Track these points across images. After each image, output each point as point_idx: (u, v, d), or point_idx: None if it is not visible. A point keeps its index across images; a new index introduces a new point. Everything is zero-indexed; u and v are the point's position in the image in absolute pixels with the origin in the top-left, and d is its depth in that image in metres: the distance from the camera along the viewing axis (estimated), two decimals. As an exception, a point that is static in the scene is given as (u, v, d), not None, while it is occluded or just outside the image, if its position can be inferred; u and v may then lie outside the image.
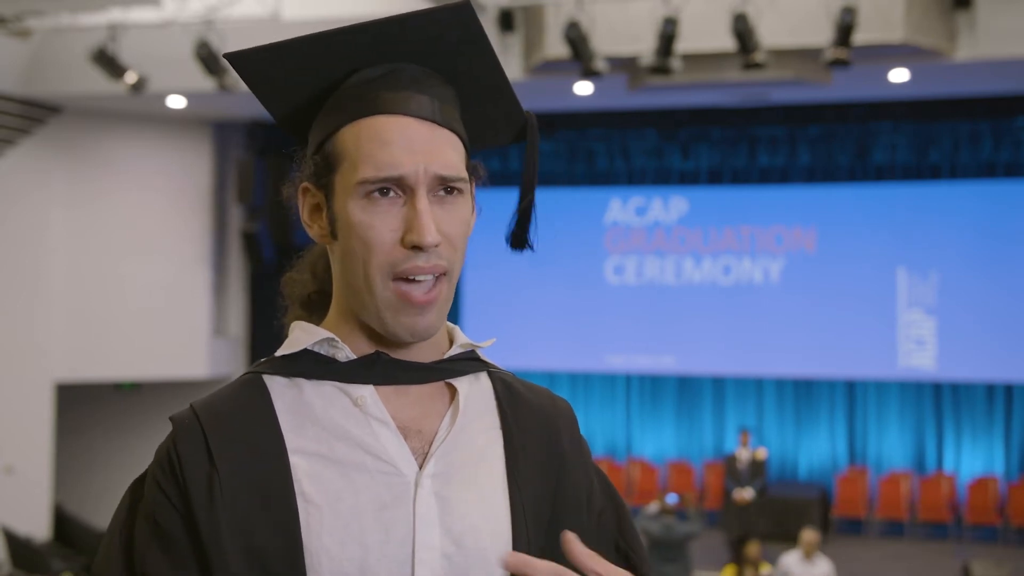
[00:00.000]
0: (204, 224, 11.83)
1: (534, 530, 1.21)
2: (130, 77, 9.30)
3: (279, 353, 1.24)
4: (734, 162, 12.17)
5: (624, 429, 13.00)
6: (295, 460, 1.16)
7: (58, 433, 11.28)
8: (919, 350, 11.71)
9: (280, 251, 11.45)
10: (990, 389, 11.95)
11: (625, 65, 9.05)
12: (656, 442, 12.87)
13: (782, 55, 8.69)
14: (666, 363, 12.40)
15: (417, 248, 1.15)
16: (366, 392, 1.20)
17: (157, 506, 1.15)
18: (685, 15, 8.40)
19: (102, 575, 1.18)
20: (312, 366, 1.21)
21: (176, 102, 10.72)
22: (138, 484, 1.21)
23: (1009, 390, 11.89)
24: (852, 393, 12.43)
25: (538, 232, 1.27)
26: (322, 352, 1.22)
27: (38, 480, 10.77)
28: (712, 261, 12.34)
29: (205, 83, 9.36)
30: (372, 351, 1.22)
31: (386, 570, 1.13)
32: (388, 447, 1.18)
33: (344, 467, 1.16)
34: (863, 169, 11.94)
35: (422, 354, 1.24)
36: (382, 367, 1.21)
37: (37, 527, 10.49)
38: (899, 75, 9.46)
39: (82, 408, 11.87)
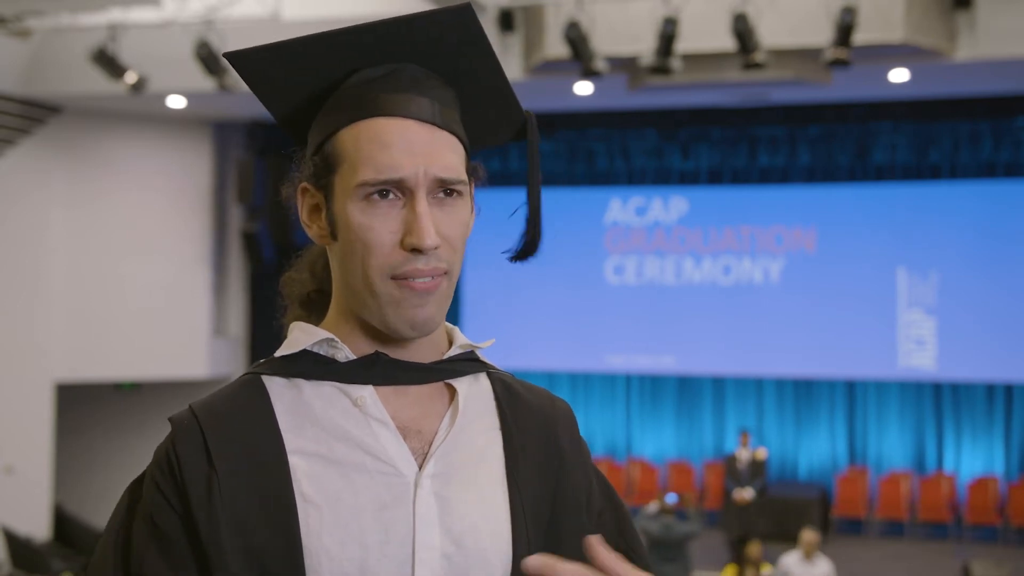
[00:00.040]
0: (204, 224, 11.83)
1: (534, 530, 1.21)
2: (130, 77, 9.30)
3: (278, 354, 1.25)
4: (734, 162, 12.17)
5: (624, 429, 13.00)
6: (294, 461, 1.16)
7: (58, 433, 11.28)
8: (919, 350, 11.71)
9: (280, 251, 11.45)
10: (990, 389, 11.95)
11: (625, 65, 9.05)
12: (656, 442, 12.87)
13: (782, 55, 8.69)
14: (666, 363, 12.40)
15: (416, 251, 1.15)
16: (366, 392, 1.20)
17: (155, 507, 1.15)
18: (685, 15, 8.40)
19: (97, 575, 1.17)
20: (311, 366, 1.21)
21: (176, 102, 10.72)
22: (136, 485, 1.21)
23: (1009, 390, 11.89)
24: (852, 393, 12.43)
25: (544, 237, 1.27)
26: (321, 352, 1.22)
27: (38, 480, 10.77)
28: (712, 261, 12.34)
29: (205, 83, 9.36)
30: (372, 351, 1.22)
31: (386, 570, 1.13)
32: (388, 447, 1.18)
33: (343, 467, 1.16)
34: (863, 169, 11.94)
35: (421, 354, 1.24)
36: (381, 367, 1.21)
37: (37, 527, 10.49)
38: (899, 75, 9.46)
39: (82, 408, 11.87)
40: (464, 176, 1.20)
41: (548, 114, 11.18)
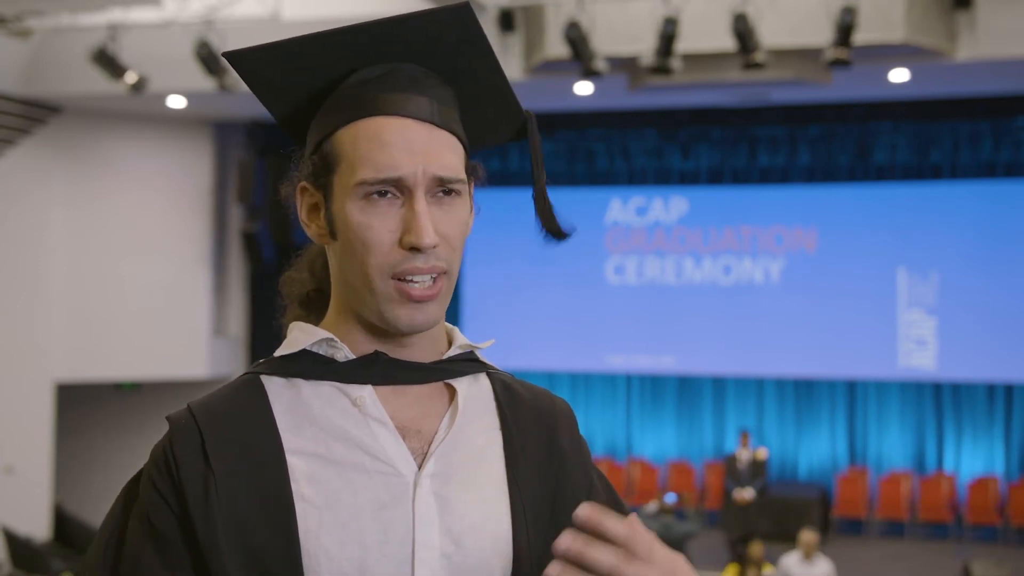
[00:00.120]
0: (204, 224, 11.83)
1: (534, 530, 1.21)
2: (130, 77, 9.30)
3: (278, 353, 1.24)
4: (734, 162, 12.17)
5: (624, 429, 13.00)
6: (293, 461, 1.16)
7: (58, 433, 11.28)
8: (919, 350, 11.71)
9: (280, 251, 11.45)
10: (990, 389, 11.95)
11: (625, 65, 9.05)
12: (656, 442, 12.87)
13: (782, 55, 8.70)
14: (666, 363, 12.40)
15: (415, 249, 1.15)
16: (365, 392, 1.20)
17: (152, 506, 1.15)
18: (685, 15, 8.40)
19: (90, 574, 1.17)
20: (310, 366, 1.21)
21: (176, 102, 10.73)
22: (133, 484, 1.21)
23: (1009, 390, 11.89)
24: (852, 393, 12.43)
25: (562, 217, 1.28)
26: (321, 352, 1.22)
27: (38, 480, 10.77)
28: (712, 261, 12.34)
29: (205, 83, 9.36)
30: (371, 351, 1.22)
31: (385, 570, 1.13)
32: (387, 447, 1.18)
33: (342, 467, 1.16)
34: (863, 169, 11.94)
35: (421, 354, 1.24)
36: (381, 367, 1.21)
37: (37, 527, 10.49)
38: (899, 75, 9.46)
39: (82, 408, 11.87)
40: (463, 175, 1.20)
41: (548, 114, 11.19)
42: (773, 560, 8.99)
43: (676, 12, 8.18)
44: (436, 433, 1.22)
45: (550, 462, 1.27)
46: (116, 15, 9.36)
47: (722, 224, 12.32)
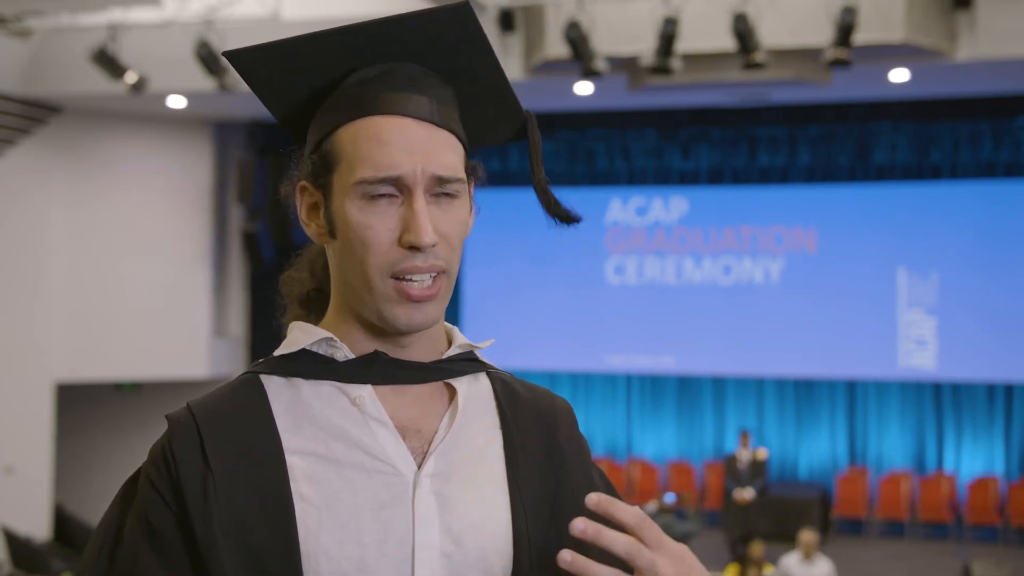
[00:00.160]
0: (204, 224, 11.83)
1: (534, 530, 1.21)
2: (130, 77, 9.30)
3: (277, 353, 1.24)
4: (734, 162, 12.17)
5: (624, 429, 13.00)
6: (292, 460, 1.16)
7: (58, 433, 11.28)
8: (919, 350, 11.71)
9: (280, 251, 11.44)
10: (990, 389, 11.95)
11: (625, 65, 9.05)
12: (656, 442, 12.87)
13: (782, 55, 8.69)
14: (666, 363, 12.40)
15: (414, 248, 1.15)
16: (364, 392, 1.20)
17: (150, 505, 1.15)
18: (685, 15, 8.40)
19: (87, 572, 1.17)
20: (310, 366, 1.21)
21: (176, 102, 10.72)
22: (131, 483, 1.21)
23: (1009, 390, 11.89)
24: (852, 393, 12.43)
25: (566, 204, 1.29)
26: (320, 352, 1.22)
27: (38, 480, 10.77)
28: (712, 261, 12.34)
29: (205, 83, 9.36)
30: (371, 351, 1.22)
31: (385, 569, 1.13)
32: (386, 447, 1.18)
33: (342, 467, 1.16)
34: (863, 169, 11.94)
35: (421, 354, 1.24)
36: (381, 367, 1.21)
37: (37, 527, 10.49)
38: (899, 75, 9.46)
39: (82, 408, 11.87)
40: (462, 175, 1.20)
41: (548, 114, 11.19)
42: (773, 560, 8.99)
43: (676, 12, 8.18)
44: (436, 432, 1.21)
45: (550, 461, 1.27)
46: (116, 15, 9.36)
47: (722, 224, 12.32)
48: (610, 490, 1.35)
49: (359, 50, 1.19)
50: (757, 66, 8.23)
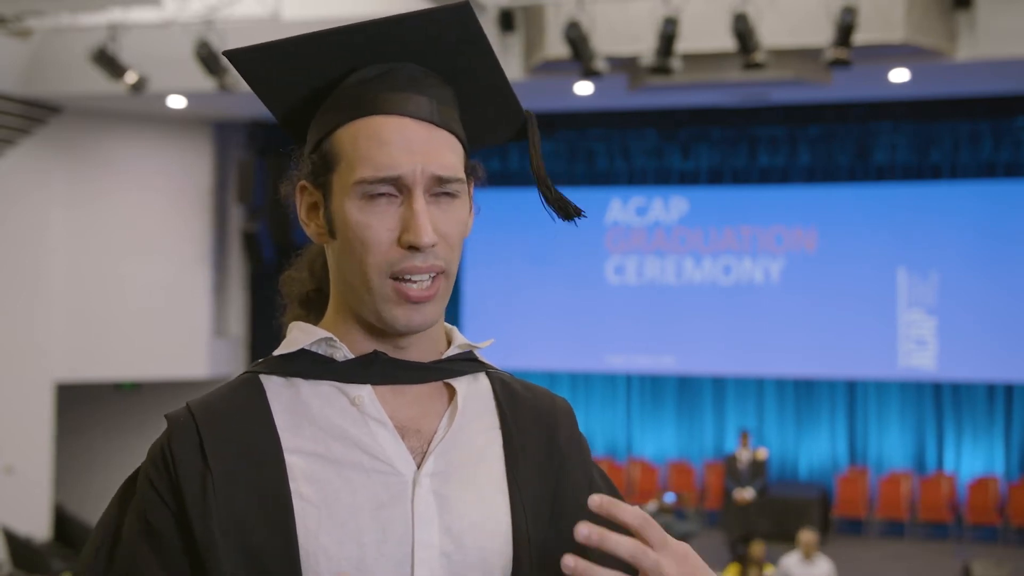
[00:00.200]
0: (204, 224, 11.83)
1: (534, 529, 1.21)
2: (130, 77, 9.30)
3: (277, 353, 1.24)
4: (734, 162, 12.17)
5: (624, 429, 13.00)
6: (291, 460, 1.16)
7: (58, 433, 11.28)
8: (919, 350, 11.71)
9: (280, 251, 11.44)
10: (990, 389, 11.95)
11: (625, 65, 9.05)
12: (656, 442, 12.87)
13: (782, 55, 8.69)
14: (666, 363, 12.40)
15: (414, 248, 1.15)
16: (364, 392, 1.20)
17: (149, 504, 1.15)
18: (685, 15, 8.40)
19: (85, 571, 1.17)
20: (310, 366, 1.21)
21: (176, 102, 10.72)
22: (130, 482, 1.21)
23: (1009, 390, 11.89)
24: (852, 393, 12.43)
25: (567, 199, 1.30)
26: (320, 352, 1.22)
27: (38, 480, 10.77)
28: (712, 261, 12.34)
29: (205, 83, 9.36)
30: (370, 351, 1.22)
31: (384, 569, 1.13)
32: (385, 447, 1.18)
33: (341, 467, 1.16)
34: (863, 169, 11.94)
35: (420, 354, 1.24)
36: (380, 367, 1.21)
37: (37, 527, 10.49)
38: (899, 75, 9.46)
39: (82, 408, 11.87)
40: (462, 174, 1.20)
41: (548, 114, 11.19)
42: (773, 560, 8.99)
43: (676, 12, 8.18)
44: (435, 432, 1.21)
45: (550, 461, 1.27)
46: (116, 15, 9.36)
47: (722, 224, 12.32)
48: (611, 490, 1.35)
49: (359, 50, 1.19)
50: (757, 66, 8.23)
